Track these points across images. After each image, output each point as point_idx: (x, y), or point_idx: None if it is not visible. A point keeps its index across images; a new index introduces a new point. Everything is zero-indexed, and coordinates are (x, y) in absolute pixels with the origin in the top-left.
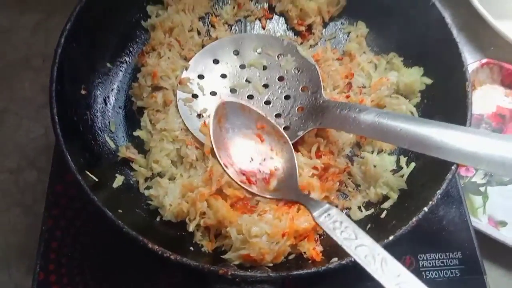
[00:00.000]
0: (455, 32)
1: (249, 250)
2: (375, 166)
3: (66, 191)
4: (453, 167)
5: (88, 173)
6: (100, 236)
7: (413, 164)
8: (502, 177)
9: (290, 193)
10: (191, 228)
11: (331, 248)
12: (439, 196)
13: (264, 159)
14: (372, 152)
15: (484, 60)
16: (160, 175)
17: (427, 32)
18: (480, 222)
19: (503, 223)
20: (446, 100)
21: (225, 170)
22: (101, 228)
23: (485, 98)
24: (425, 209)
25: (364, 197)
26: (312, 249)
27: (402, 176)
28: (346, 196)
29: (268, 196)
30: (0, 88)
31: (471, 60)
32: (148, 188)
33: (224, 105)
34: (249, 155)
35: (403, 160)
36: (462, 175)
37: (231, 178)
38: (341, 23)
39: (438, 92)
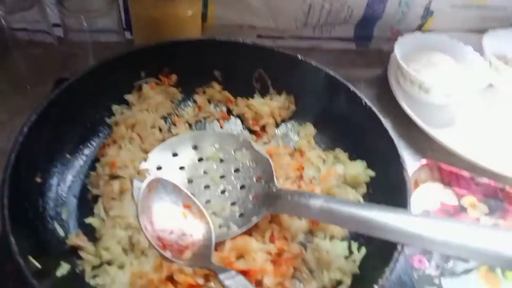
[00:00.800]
0: (389, 128)
1: None
2: (327, 252)
3: (3, 283)
4: (398, 246)
5: (31, 259)
6: None
7: (363, 249)
8: (454, 268)
9: (203, 263)
10: None
11: None
12: (388, 275)
13: (184, 234)
14: (325, 238)
15: (424, 161)
16: (109, 263)
17: (366, 131)
18: None
19: None
20: (389, 189)
21: (143, 231)
22: None
23: (429, 195)
24: (375, 286)
25: (318, 282)
26: None
27: (354, 261)
28: (301, 282)
29: (180, 263)
30: None
31: (412, 162)
32: (94, 277)
33: (158, 180)
34: (170, 228)
35: (354, 245)
36: (415, 267)
37: (147, 239)
38: (292, 124)
39: (381, 183)
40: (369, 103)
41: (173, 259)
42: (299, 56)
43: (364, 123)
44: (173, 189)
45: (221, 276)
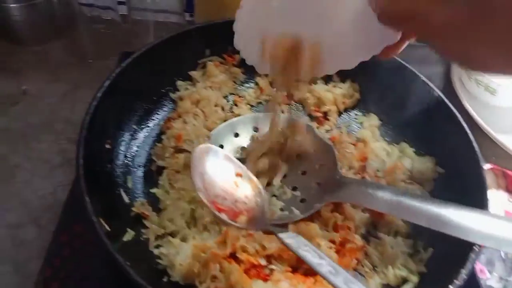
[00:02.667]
0: (465, 123)
1: None
2: (392, 248)
3: (71, 242)
4: (475, 247)
5: (102, 220)
6: None
7: (430, 250)
8: None
9: (259, 225)
10: None
11: None
12: (465, 276)
13: (236, 201)
14: (389, 233)
15: (489, 166)
16: (172, 234)
17: (436, 126)
18: None
19: None
20: (461, 188)
21: (197, 192)
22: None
23: (492, 202)
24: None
25: (382, 278)
26: None
27: (421, 260)
28: (362, 276)
29: (235, 225)
30: (16, 146)
31: None
32: (157, 247)
33: (208, 148)
34: (223, 194)
35: (420, 244)
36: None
37: (202, 199)
38: (355, 113)
39: (451, 181)
40: (442, 96)
41: (229, 221)
42: None
43: (434, 117)
44: (224, 157)
45: (281, 235)
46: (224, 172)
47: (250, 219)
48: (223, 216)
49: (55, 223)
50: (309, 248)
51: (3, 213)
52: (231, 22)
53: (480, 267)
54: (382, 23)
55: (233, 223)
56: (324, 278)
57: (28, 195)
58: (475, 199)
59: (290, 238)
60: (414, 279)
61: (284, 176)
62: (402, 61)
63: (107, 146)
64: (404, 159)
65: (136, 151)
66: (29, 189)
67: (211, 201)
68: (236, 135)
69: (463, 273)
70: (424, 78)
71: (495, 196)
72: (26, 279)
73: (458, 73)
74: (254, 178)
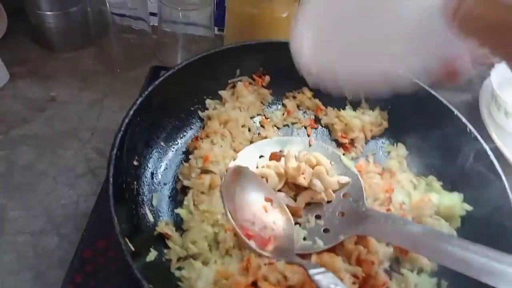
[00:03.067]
0: (497, 164)
1: None
2: (415, 286)
3: (94, 258)
4: None
5: (127, 240)
6: None
7: None
8: None
9: (286, 256)
10: None
11: None
12: None
13: (265, 227)
14: (412, 270)
15: None
16: (194, 257)
17: (465, 161)
18: None
19: None
20: (487, 228)
21: (227, 215)
22: None
23: None
24: None
25: None
26: None
27: None
28: None
29: (264, 254)
30: (43, 153)
31: None
32: (179, 269)
33: (241, 168)
34: (252, 219)
35: (444, 283)
36: None
37: (232, 223)
38: (382, 142)
39: (479, 220)
40: (474, 132)
41: (258, 250)
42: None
43: (464, 152)
44: (255, 180)
45: (311, 271)
46: (254, 196)
47: (277, 248)
48: (252, 244)
49: (76, 233)
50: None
51: (27, 220)
52: (262, 44)
53: None
54: (457, 33)
55: (261, 251)
56: None
57: (51, 203)
58: (505, 242)
59: (319, 274)
60: None
61: (308, 204)
62: (432, 92)
63: (135, 163)
64: (431, 193)
65: (163, 169)
66: (53, 197)
67: (240, 226)
68: (262, 157)
69: None
70: (456, 111)
71: None
72: (46, 287)
73: (486, 103)
74: (284, 205)
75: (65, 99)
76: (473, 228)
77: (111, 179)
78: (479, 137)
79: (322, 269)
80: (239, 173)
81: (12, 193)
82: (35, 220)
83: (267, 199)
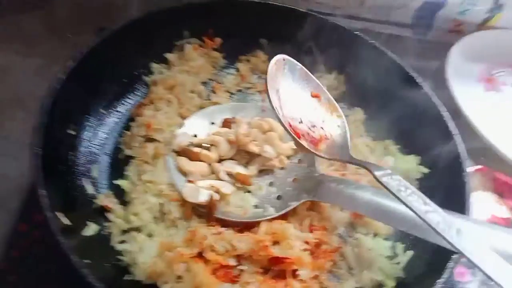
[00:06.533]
0: (452, 125)
1: None
2: (369, 250)
3: (31, 233)
4: (453, 256)
5: (60, 214)
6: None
7: (410, 252)
8: None
9: (342, 156)
10: None
11: None
12: (439, 286)
13: (314, 126)
14: (367, 234)
15: (479, 166)
16: (138, 230)
17: (422, 124)
18: None
19: None
20: (443, 190)
21: (276, 112)
22: (62, 278)
23: (479, 204)
24: None
25: (357, 282)
26: None
27: (398, 263)
28: (338, 278)
29: (319, 154)
30: None
31: None
32: (121, 242)
33: (284, 60)
34: (299, 116)
35: (399, 246)
36: (457, 280)
37: (280, 121)
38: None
39: (435, 182)
40: (431, 93)
41: (310, 149)
42: (358, 33)
43: (421, 115)
44: (301, 74)
45: (377, 173)
46: (300, 91)
47: (330, 147)
48: (304, 143)
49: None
50: (411, 191)
51: None
52: (213, 3)
53: (461, 270)
54: None
55: (313, 150)
56: (434, 229)
57: None
58: (455, 203)
59: (386, 176)
60: (390, 284)
61: (261, 171)
62: (392, 55)
63: (71, 131)
64: (387, 157)
65: (104, 138)
66: None
67: (287, 124)
68: (212, 123)
69: (438, 285)
70: (413, 74)
71: (481, 198)
72: None
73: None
74: (334, 101)
75: (9, 65)
76: (429, 190)
77: (39, 149)
78: (436, 98)
79: (389, 171)
80: (281, 65)
81: None
82: None
83: (315, 95)
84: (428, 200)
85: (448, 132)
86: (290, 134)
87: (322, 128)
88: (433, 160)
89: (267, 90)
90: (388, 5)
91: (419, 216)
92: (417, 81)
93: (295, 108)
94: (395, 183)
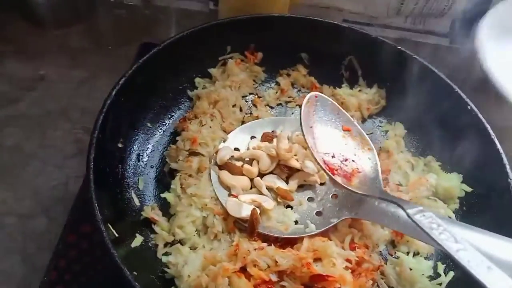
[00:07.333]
0: (497, 141)
1: None
2: (411, 269)
3: (78, 243)
4: None
5: (110, 226)
6: None
7: (452, 273)
8: None
9: (374, 191)
10: None
11: None
12: None
13: (346, 160)
14: (408, 253)
15: None
16: (182, 242)
17: (466, 141)
18: None
19: None
20: (487, 209)
21: (311, 151)
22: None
23: None
24: None
25: None
26: None
27: (440, 284)
28: None
29: (353, 190)
30: (32, 134)
31: None
32: (166, 254)
33: (316, 97)
34: (332, 151)
35: (440, 267)
36: None
37: (315, 159)
38: (380, 121)
39: (478, 201)
40: (476, 110)
41: (344, 185)
42: (399, 47)
43: (465, 132)
44: (332, 109)
45: (410, 211)
46: (332, 126)
47: (362, 181)
48: (338, 179)
49: (66, 216)
50: (443, 228)
51: (14, 202)
52: (255, 19)
53: None
54: None
55: (347, 186)
56: (465, 267)
57: (40, 185)
58: (502, 224)
59: (419, 214)
60: None
61: (301, 186)
62: (433, 69)
63: (120, 145)
64: (429, 174)
65: (151, 151)
66: (42, 179)
67: (322, 160)
68: (253, 138)
69: None
70: (456, 88)
71: None
72: (33, 271)
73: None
74: (365, 134)
75: (54, 78)
76: (472, 209)
77: (91, 163)
78: (480, 115)
79: (421, 207)
80: (314, 101)
81: None
82: (23, 203)
83: (346, 129)
84: (459, 237)
85: (496, 150)
86: (325, 171)
87: (353, 161)
88: (476, 179)
89: (302, 129)
90: (426, 13)
91: (450, 255)
92: (462, 96)
93: (327, 143)
94: (427, 220)
